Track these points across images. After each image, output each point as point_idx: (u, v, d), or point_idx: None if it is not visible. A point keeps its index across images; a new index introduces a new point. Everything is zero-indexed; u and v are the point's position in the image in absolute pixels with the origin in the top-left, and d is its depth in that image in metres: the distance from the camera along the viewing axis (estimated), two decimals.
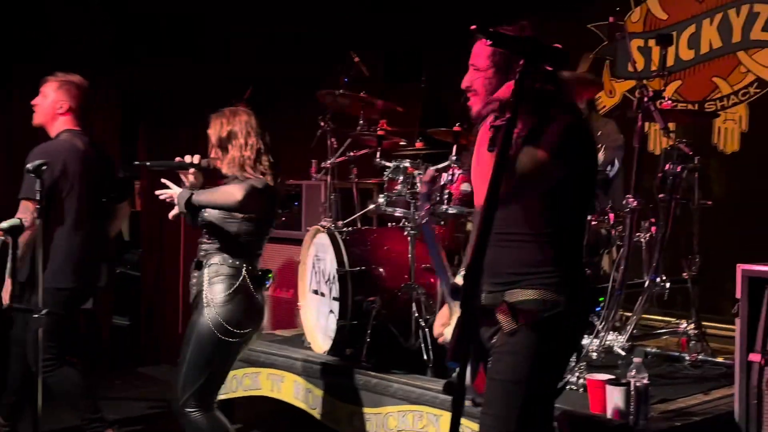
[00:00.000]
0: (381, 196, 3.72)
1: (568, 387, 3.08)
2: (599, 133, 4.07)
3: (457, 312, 2.16)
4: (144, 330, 5.95)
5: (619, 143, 3.99)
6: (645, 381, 2.73)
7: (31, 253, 3.35)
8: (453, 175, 3.38)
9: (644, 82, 3.52)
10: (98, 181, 3.70)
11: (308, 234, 3.91)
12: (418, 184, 3.49)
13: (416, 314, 3.48)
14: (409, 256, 3.57)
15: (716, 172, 4.63)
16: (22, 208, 3.39)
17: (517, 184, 1.97)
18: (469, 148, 2.37)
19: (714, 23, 4.73)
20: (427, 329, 3.37)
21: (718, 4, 4.71)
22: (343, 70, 4.34)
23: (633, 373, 2.74)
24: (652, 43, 4.72)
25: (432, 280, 3.62)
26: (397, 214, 3.66)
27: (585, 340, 3.30)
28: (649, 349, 3.60)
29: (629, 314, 3.59)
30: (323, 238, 3.76)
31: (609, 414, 2.77)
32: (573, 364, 3.14)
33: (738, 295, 2.79)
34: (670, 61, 4.31)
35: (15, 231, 2.87)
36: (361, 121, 4.25)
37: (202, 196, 3.02)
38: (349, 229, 3.80)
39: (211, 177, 3.17)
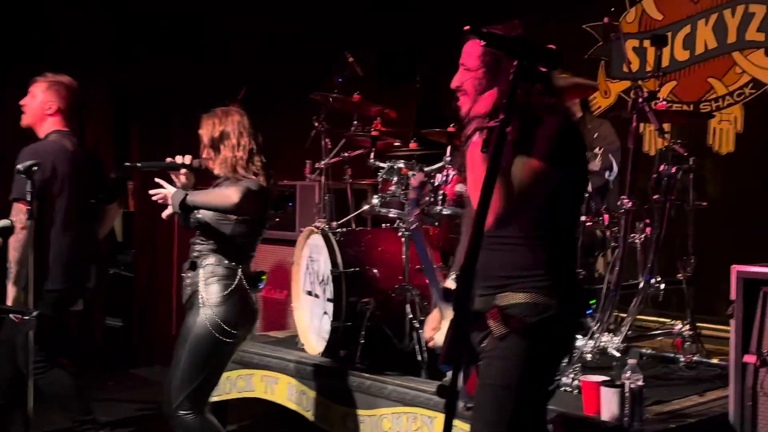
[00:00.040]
0: (375, 196, 3.71)
1: (562, 389, 3.08)
2: (595, 135, 4.06)
3: (447, 316, 2.14)
4: (137, 331, 5.93)
5: (616, 145, 3.98)
6: (639, 382, 2.72)
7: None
8: (447, 175, 3.37)
9: (639, 82, 3.51)
10: (87, 182, 3.68)
11: (302, 235, 3.90)
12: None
13: (410, 315, 3.47)
14: (404, 257, 3.56)
15: (711, 172, 4.63)
16: (15, 209, 3.37)
17: (517, 201, 1.95)
18: (461, 149, 2.35)
19: (709, 24, 4.73)
20: (421, 330, 3.36)
21: (713, 4, 4.71)
22: (338, 70, 4.33)
23: (628, 374, 2.74)
24: (647, 43, 4.73)
25: (426, 281, 3.60)
26: (391, 215, 3.64)
27: (580, 342, 3.29)
28: (643, 351, 3.59)
29: (624, 315, 3.58)
30: (317, 239, 3.75)
31: (603, 416, 2.76)
32: (567, 365, 3.13)
33: (733, 296, 2.79)
34: (665, 62, 4.31)
35: (4, 233, 2.85)
36: (356, 122, 4.24)
37: (197, 197, 3.00)
38: (343, 230, 3.78)
39: (203, 178, 3.16)
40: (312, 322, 3.82)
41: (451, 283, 2.15)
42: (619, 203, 3.43)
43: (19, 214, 3.31)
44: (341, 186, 4.34)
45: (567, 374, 3.11)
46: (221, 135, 3.05)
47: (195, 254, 3.09)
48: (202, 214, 3.04)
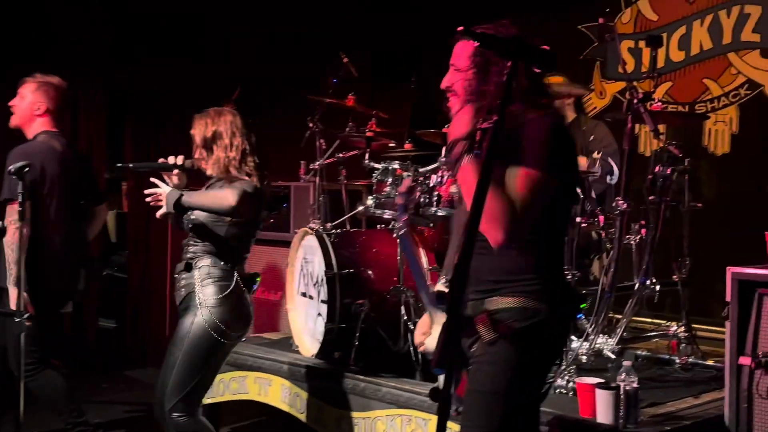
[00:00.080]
0: (370, 198, 3.69)
1: (558, 391, 3.07)
2: (591, 138, 4.05)
3: (437, 320, 2.13)
4: (130, 332, 5.90)
5: (613, 148, 3.96)
6: (635, 384, 2.72)
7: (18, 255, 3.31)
8: (442, 177, 3.35)
9: (634, 83, 3.50)
10: (76, 183, 3.68)
11: (296, 236, 3.88)
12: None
13: (405, 317, 3.45)
14: (398, 258, 3.54)
15: (706, 173, 4.63)
16: (10, 210, 3.37)
17: (522, 217, 1.93)
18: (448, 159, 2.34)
19: (704, 24, 4.72)
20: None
21: (709, 5, 4.70)
22: (332, 70, 4.32)
23: (623, 376, 2.73)
24: (642, 44, 4.72)
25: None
26: (386, 216, 3.62)
27: (575, 343, 3.28)
28: (639, 352, 3.59)
29: (619, 317, 3.57)
30: (311, 240, 3.73)
31: (599, 418, 2.75)
32: (562, 368, 3.12)
33: (728, 298, 2.78)
34: (660, 63, 4.31)
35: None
36: (350, 123, 4.23)
37: (192, 198, 2.98)
38: (338, 231, 3.77)
39: (197, 178, 3.14)
40: (306, 324, 3.80)
41: (441, 288, 2.14)
42: (614, 204, 3.42)
43: (13, 214, 3.30)
44: (336, 187, 4.33)
45: (562, 376, 3.10)
46: (214, 135, 3.04)
47: (189, 256, 3.07)
48: (196, 215, 3.03)
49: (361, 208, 4.01)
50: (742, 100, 4.60)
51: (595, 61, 5.15)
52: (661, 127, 3.67)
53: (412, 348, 3.37)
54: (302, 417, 3.54)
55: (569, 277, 3.29)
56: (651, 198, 3.52)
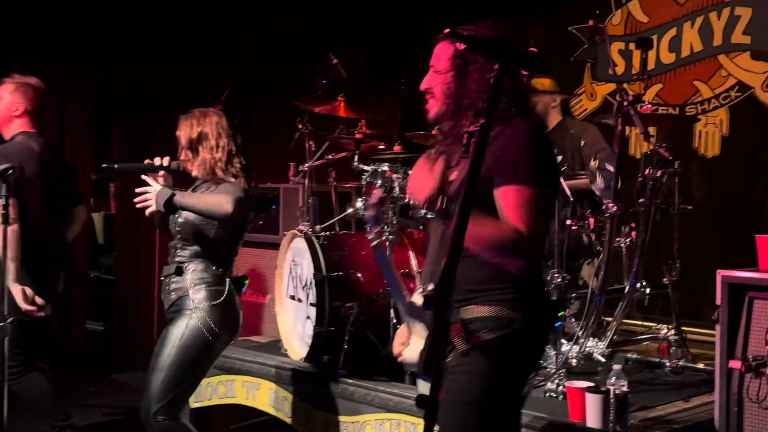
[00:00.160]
0: (359, 200, 3.67)
1: (548, 395, 3.05)
2: (582, 143, 4.02)
3: (415, 331, 2.10)
4: (117, 335, 5.86)
5: (608, 152, 3.92)
6: (625, 388, 2.70)
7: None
8: None
9: (624, 85, 3.49)
10: (55, 184, 3.65)
11: (285, 238, 3.85)
12: (396, 188, 3.44)
13: (394, 320, 3.43)
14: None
15: (697, 176, 4.62)
16: None
17: (534, 238, 1.94)
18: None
19: (695, 26, 4.72)
20: None
21: (699, 7, 4.70)
22: (322, 71, 4.29)
23: (613, 380, 2.71)
24: (632, 46, 4.71)
25: (412, 285, 3.56)
26: (385, 215, 3.59)
27: (565, 347, 3.26)
28: (629, 356, 3.57)
29: (609, 320, 3.56)
30: (300, 243, 3.70)
31: (589, 422, 2.73)
32: (551, 372, 3.11)
33: (718, 301, 2.77)
34: (650, 65, 4.30)
35: None
36: (340, 125, 4.20)
37: (186, 199, 2.95)
38: (327, 233, 3.75)
39: (183, 179, 3.11)
40: (295, 327, 3.78)
41: (417, 298, 2.11)
42: (604, 207, 3.40)
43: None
44: (325, 189, 4.30)
45: (552, 380, 3.08)
46: (199, 136, 3.01)
47: (179, 259, 3.04)
48: (185, 217, 3.00)
49: (350, 210, 3.99)
50: (732, 103, 4.60)
51: (586, 63, 5.14)
52: (652, 130, 3.67)
53: None
54: (290, 421, 3.51)
55: (559, 279, 3.27)
56: (641, 200, 3.50)
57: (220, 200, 2.90)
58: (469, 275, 2.00)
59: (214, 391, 3.84)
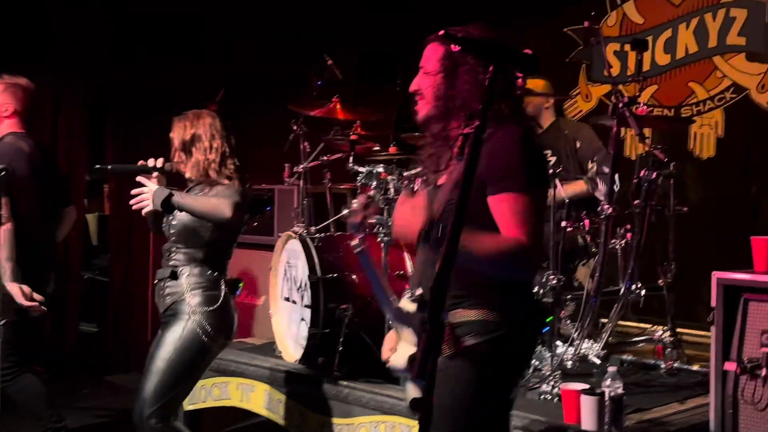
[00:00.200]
0: (354, 201, 3.65)
1: (542, 397, 3.05)
2: (578, 145, 4.02)
3: (404, 337, 2.09)
4: (111, 336, 5.83)
5: (603, 153, 3.92)
6: (620, 390, 2.69)
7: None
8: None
9: (619, 87, 3.49)
10: (44, 184, 3.64)
11: (280, 240, 3.84)
12: (391, 189, 3.43)
13: (389, 322, 3.41)
14: (382, 263, 3.51)
15: (692, 177, 4.62)
16: None
17: (538, 246, 1.93)
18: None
19: (690, 28, 4.72)
20: None
21: (695, 8, 4.70)
22: (317, 72, 4.28)
23: (608, 382, 2.70)
24: (628, 47, 4.71)
25: (406, 286, 3.55)
26: (370, 221, 3.58)
27: (560, 349, 3.26)
28: (624, 357, 3.57)
29: (605, 321, 3.55)
30: (295, 244, 3.69)
31: (584, 425, 2.72)
32: (547, 373, 3.10)
33: (713, 303, 2.76)
34: (646, 66, 4.29)
35: None
36: (336, 126, 4.19)
37: (184, 200, 2.94)
38: (322, 235, 3.73)
39: (177, 181, 3.09)
40: (289, 329, 3.76)
41: (406, 304, 2.10)
42: (599, 209, 3.40)
43: None
44: (320, 190, 4.29)
45: (547, 382, 3.07)
46: (193, 138, 3.00)
47: (173, 263, 3.02)
48: (179, 219, 2.98)
49: (345, 211, 3.97)
50: (727, 104, 4.60)
51: (581, 64, 5.14)
52: (647, 131, 3.66)
53: None
54: (285, 423, 3.50)
55: (554, 281, 3.27)
56: (636, 202, 3.50)
57: (218, 204, 2.89)
58: (458, 279, 1.98)
59: (209, 393, 3.82)
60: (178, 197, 2.93)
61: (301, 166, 4.20)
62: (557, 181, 3.31)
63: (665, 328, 3.57)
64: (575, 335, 3.30)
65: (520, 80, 2.32)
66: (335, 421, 3.30)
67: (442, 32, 1.65)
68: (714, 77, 4.64)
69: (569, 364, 3.25)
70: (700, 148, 4.66)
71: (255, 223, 4.44)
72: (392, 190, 3.49)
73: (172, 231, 3.03)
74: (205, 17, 5.55)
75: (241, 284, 3.18)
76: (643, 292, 3.49)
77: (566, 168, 3.89)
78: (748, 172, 4.51)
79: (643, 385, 3.33)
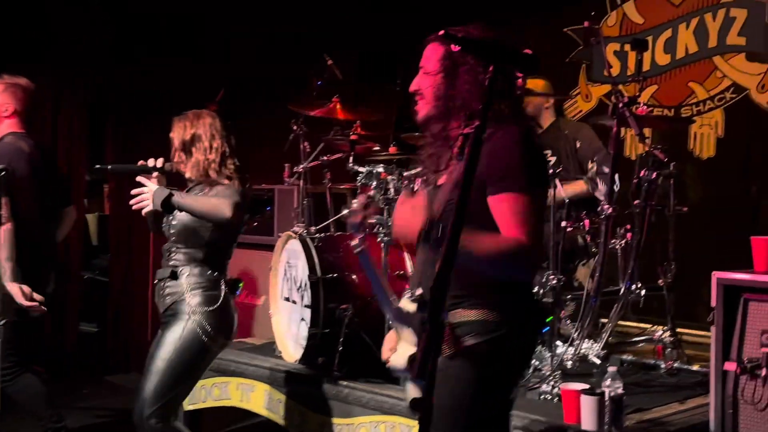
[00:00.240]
0: (354, 201, 3.65)
1: (542, 397, 3.05)
2: (578, 146, 4.02)
3: (404, 337, 2.09)
4: (111, 336, 5.83)
5: (603, 153, 3.92)
6: (620, 390, 2.69)
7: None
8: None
9: (619, 87, 3.49)
10: (44, 184, 3.65)
11: (280, 240, 3.84)
12: (391, 189, 3.43)
13: (389, 322, 3.41)
14: (382, 263, 3.51)
15: (692, 177, 4.62)
16: None
17: (538, 247, 1.93)
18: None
19: (690, 28, 4.72)
20: None
21: (695, 8, 4.70)
22: (317, 72, 4.28)
23: (608, 382, 2.70)
24: (628, 47, 4.71)
25: (406, 286, 3.55)
26: (370, 221, 3.58)
27: (560, 349, 3.26)
28: (624, 357, 3.57)
29: (605, 321, 3.55)
30: (295, 245, 3.69)
31: (584, 425, 2.72)
32: (547, 373, 3.10)
33: (713, 303, 2.76)
34: (646, 66, 4.29)
35: None
36: (336, 126, 4.20)
37: (185, 200, 2.94)
38: (322, 235, 3.73)
39: (176, 181, 3.09)
40: (289, 329, 3.76)
41: (406, 304, 2.10)
42: (599, 209, 3.40)
43: None
44: (320, 190, 4.29)
45: (548, 382, 3.07)
46: (193, 138, 3.00)
47: (173, 263, 3.02)
48: (179, 220, 2.99)
49: (345, 211, 3.97)
50: (727, 104, 4.60)
51: (581, 64, 5.14)
52: (647, 131, 3.66)
53: None
54: (285, 423, 3.50)
55: (554, 281, 3.27)
56: (636, 202, 3.50)
57: (219, 204, 2.89)
58: (458, 279, 1.99)
59: (209, 393, 3.82)
60: (178, 197, 2.93)
61: (301, 166, 4.20)
62: (557, 181, 3.31)
63: (665, 328, 3.57)
64: (575, 335, 3.30)
65: (520, 80, 2.33)
66: (335, 421, 3.30)
67: (442, 32, 1.65)
68: (714, 77, 4.64)
69: (569, 364, 3.25)
70: (700, 148, 4.66)
71: (255, 223, 4.44)
72: (392, 190, 3.49)
73: (172, 231, 3.03)
74: (205, 17, 5.56)
75: (241, 284, 3.18)
76: (643, 292, 3.49)
77: (566, 168, 3.89)
78: (748, 172, 4.51)
79: (643, 385, 3.33)
